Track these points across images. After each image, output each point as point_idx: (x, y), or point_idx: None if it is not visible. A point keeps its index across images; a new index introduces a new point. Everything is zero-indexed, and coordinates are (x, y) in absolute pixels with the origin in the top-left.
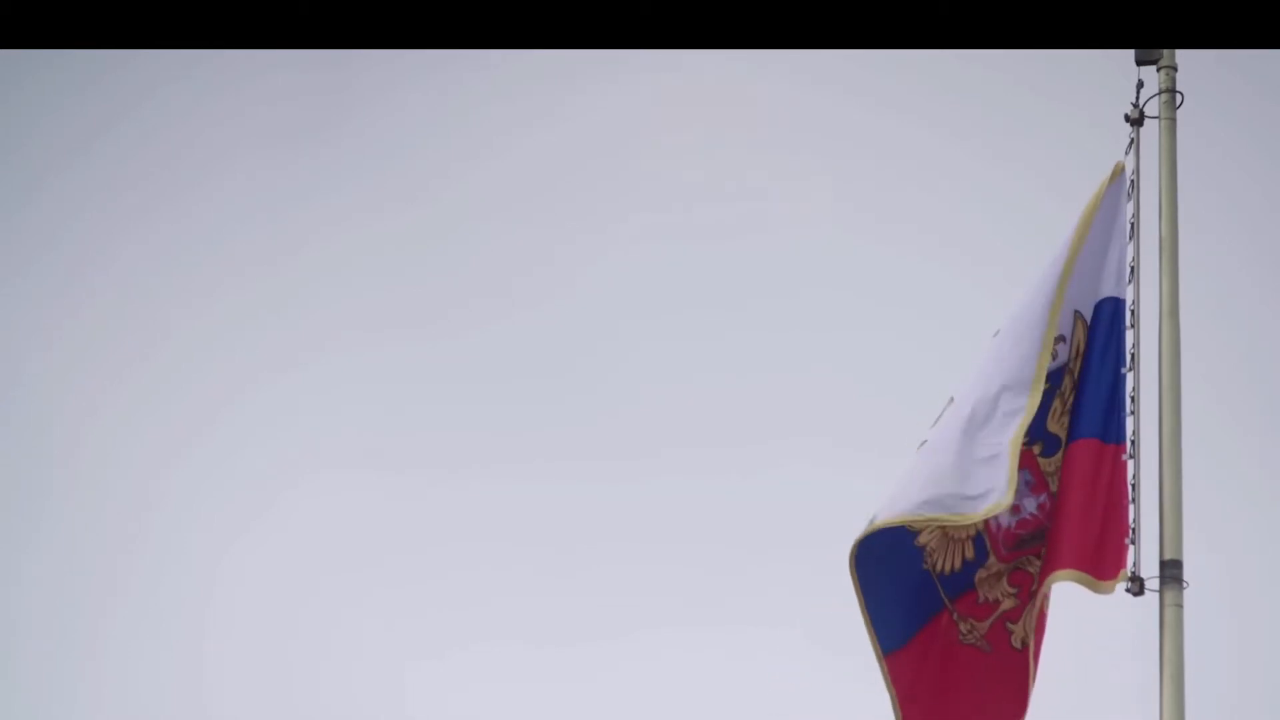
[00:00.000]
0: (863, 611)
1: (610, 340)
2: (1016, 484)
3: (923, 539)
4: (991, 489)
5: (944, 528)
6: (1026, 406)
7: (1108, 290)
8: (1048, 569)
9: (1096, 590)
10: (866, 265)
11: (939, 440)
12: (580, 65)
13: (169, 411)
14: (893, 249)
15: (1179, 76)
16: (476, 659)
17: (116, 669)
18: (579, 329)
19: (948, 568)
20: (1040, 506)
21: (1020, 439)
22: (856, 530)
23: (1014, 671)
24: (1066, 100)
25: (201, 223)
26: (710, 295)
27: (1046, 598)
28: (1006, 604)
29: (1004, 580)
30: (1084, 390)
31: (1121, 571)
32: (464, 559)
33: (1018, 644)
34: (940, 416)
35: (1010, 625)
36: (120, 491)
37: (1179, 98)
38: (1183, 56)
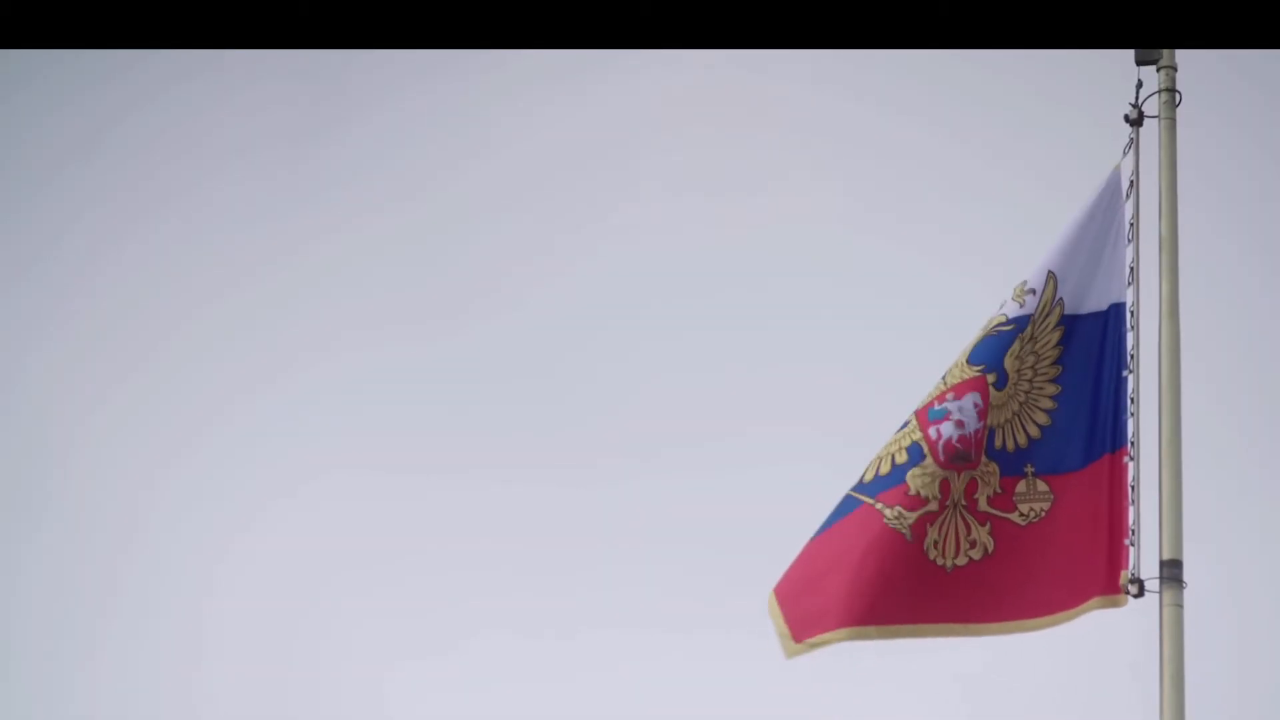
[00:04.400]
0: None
1: (608, 339)
2: (963, 409)
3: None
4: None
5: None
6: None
7: (1112, 297)
8: (1056, 606)
9: (1115, 605)
10: (866, 263)
11: None
12: (580, 65)
13: (166, 414)
14: (892, 248)
15: (1179, 76)
16: (474, 659)
17: (114, 669)
18: (577, 328)
19: (870, 475)
20: (976, 433)
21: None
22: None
23: (916, 571)
24: (1066, 100)
25: (201, 225)
26: (710, 293)
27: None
28: (931, 505)
29: (937, 483)
30: (1093, 403)
31: (1123, 574)
32: (462, 559)
33: (927, 547)
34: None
35: (928, 527)
36: (119, 493)
37: (1178, 97)
38: (1183, 56)
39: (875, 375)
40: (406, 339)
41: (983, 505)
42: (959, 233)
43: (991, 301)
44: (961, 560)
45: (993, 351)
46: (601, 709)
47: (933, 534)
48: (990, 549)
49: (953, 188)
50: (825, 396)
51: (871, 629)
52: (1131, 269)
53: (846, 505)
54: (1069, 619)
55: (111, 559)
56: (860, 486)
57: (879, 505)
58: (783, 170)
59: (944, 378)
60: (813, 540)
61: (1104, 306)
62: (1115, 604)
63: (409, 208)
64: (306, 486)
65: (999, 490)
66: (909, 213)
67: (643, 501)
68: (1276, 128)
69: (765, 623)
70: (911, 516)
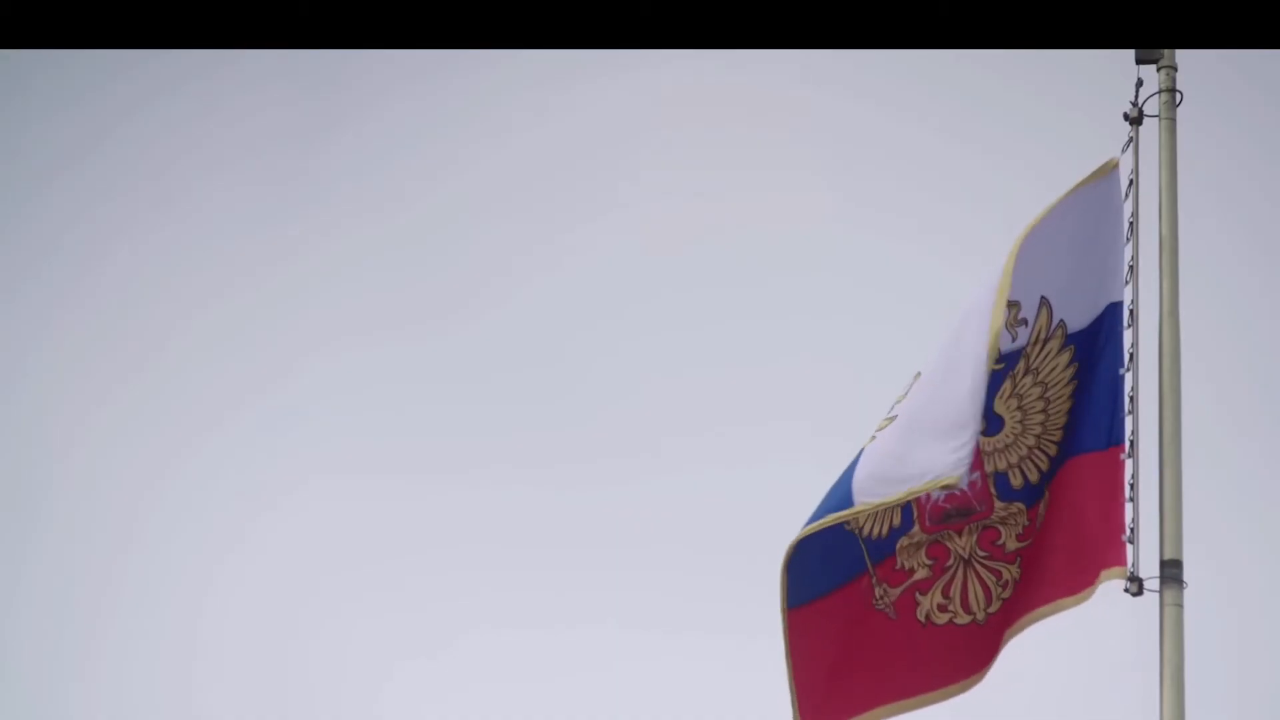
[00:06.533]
0: (782, 571)
1: (606, 338)
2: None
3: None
4: (929, 469)
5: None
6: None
7: (1108, 298)
8: (1040, 599)
9: (1085, 599)
10: (864, 262)
11: (903, 417)
12: (579, 65)
13: (165, 415)
14: (890, 247)
15: (1179, 76)
16: (472, 659)
17: (112, 669)
18: (573, 328)
19: (875, 532)
20: (971, 484)
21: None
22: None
23: (913, 644)
24: (1066, 100)
25: (201, 225)
26: (709, 292)
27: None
28: (920, 574)
29: (922, 551)
30: (1084, 403)
31: (1119, 570)
32: (458, 559)
33: (921, 617)
34: (907, 392)
35: (919, 596)
36: (118, 494)
37: (1179, 97)
38: (1183, 56)
39: (873, 375)
40: (403, 340)
41: (1011, 546)
42: (958, 232)
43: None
44: (994, 607)
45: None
46: (599, 709)
47: (931, 599)
48: (1018, 576)
49: (952, 188)
50: (823, 396)
51: (904, 703)
52: (1131, 268)
53: (853, 564)
54: (1045, 616)
55: (110, 559)
56: (869, 542)
57: (874, 578)
58: (781, 169)
59: None
60: (814, 603)
61: (1101, 309)
62: (1086, 597)
63: (406, 208)
64: (305, 487)
65: (1029, 522)
66: (908, 212)
67: (641, 500)
68: (1276, 128)
69: (762, 623)
70: (895, 593)
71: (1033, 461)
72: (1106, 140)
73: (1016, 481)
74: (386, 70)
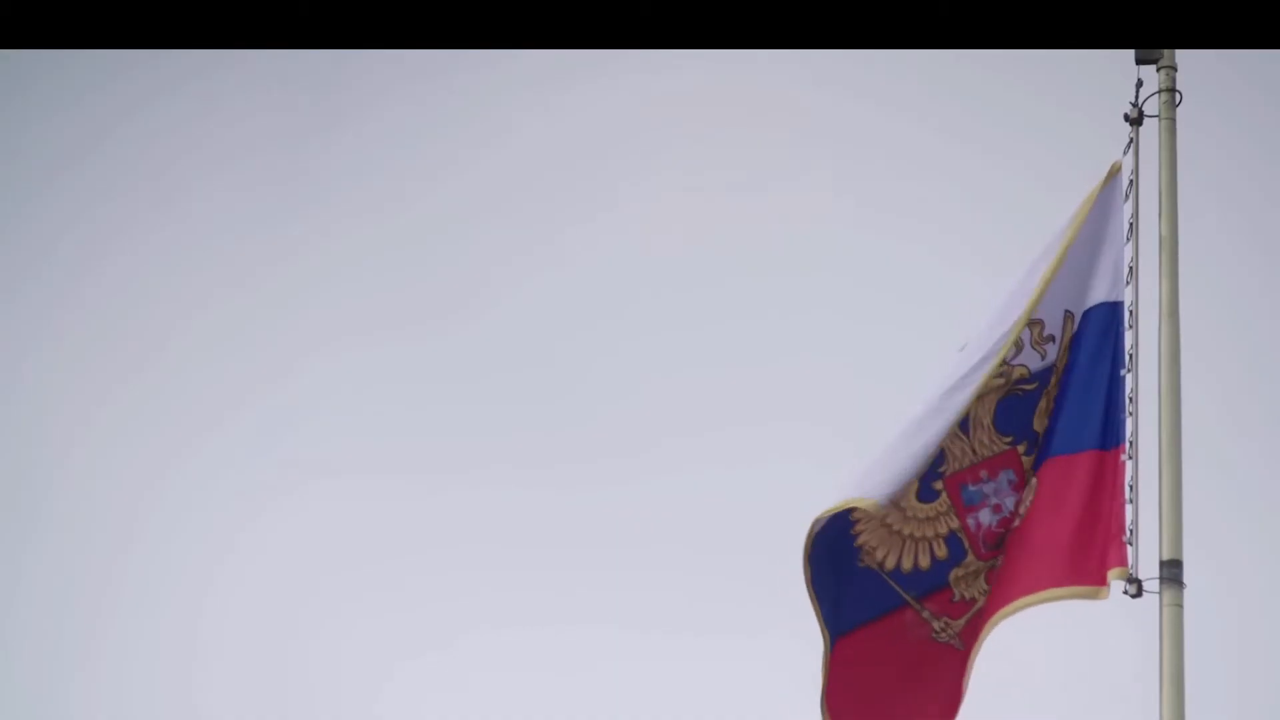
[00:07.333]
0: (810, 596)
1: (605, 338)
2: (998, 490)
3: (861, 540)
4: (879, 483)
5: (881, 523)
6: (972, 395)
7: (1101, 296)
8: (1024, 589)
9: (1094, 597)
10: (865, 262)
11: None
12: (580, 65)
13: (165, 415)
14: (890, 247)
15: (1179, 76)
16: (471, 658)
17: (113, 669)
18: (574, 328)
19: (908, 565)
20: (1019, 505)
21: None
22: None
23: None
24: (1066, 100)
25: (201, 225)
26: (710, 292)
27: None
28: (981, 602)
29: (981, 578)
30: (1072, 401)
31: (1120, 570)
32: (457, 558)
33: (990, 637)
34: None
35: (985, 624)
36: (118, 493)
37: (1179, 97)
38: (1183, 56)
39: (874, 375)
40: (403, 340)
41: None
42: (958, 232)
43: (989, 299)
44: None
45: (1018, 417)
46: (600, 709)
47: (993, 624)
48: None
49: (953, 188)
50: (823, 396)
51: None
52: (1131, 269)
53: (884, 597)
54: (1032, 605)
55: (110, 559)
56: (899, 576)
57: (925, 614)
58: (782, 169)
59: (970, 439)
60: (854, 634)
61: (1088, 307)
62: (1095, 595)
63: (406, 208)
64: (304, 487)
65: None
66: (908, 212)
67: (641, 500)
68: (1276, 128)
69: (762, 622)
70: (959, 624)
71: None
72: (1107, 141)
73: None
74: (386, 70)
